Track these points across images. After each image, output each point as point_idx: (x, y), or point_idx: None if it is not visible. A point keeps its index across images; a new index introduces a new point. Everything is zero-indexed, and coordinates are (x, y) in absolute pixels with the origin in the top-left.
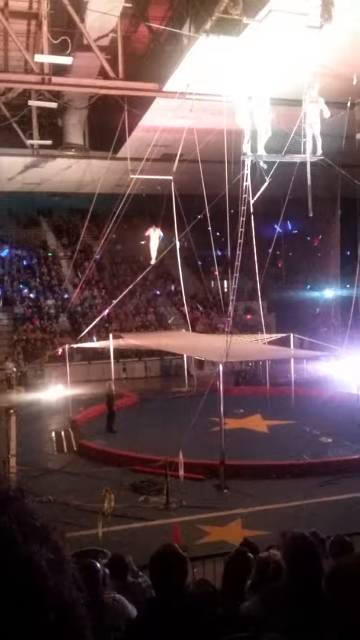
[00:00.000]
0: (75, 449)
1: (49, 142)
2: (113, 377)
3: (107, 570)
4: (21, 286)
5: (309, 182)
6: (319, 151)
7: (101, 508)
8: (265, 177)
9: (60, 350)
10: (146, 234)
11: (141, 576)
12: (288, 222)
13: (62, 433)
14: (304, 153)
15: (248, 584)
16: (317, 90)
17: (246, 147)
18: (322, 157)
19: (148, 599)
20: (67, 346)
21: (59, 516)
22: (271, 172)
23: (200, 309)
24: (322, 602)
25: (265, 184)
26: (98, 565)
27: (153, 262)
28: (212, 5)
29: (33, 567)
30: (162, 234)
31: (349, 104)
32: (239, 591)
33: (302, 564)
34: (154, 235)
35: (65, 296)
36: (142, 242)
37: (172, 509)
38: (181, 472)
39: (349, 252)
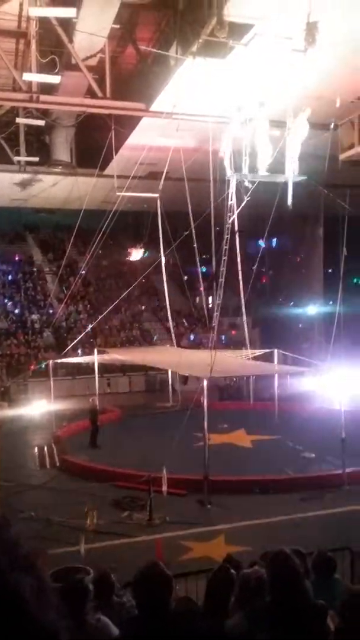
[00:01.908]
0: (58, 464)
1: (36, 158)
2: (97, 392)
3: (90, 587)
4: (6, 301)
5: (289, 202)
6: (296, 171)
7: (84, 524)
8: (244, 197)
9: (32, 367)
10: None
11: (125, 595)
12: (274, 239)
13: (45, 448)
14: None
15: (231, 601)
16: (307, 114)
17: (229, 167)
18: (304, 177)
19: (131, 617)
20: (51, 361)
21: (41, 533)
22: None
23: (186, 324)
24: (306, 621)
25: (243, 203)
26: (85, 583)
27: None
28: (199, 28)
29: (18, 595)
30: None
31: (332, 126)
32: (223, 608)
33: (285, 583)
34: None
35: (50, 311)
36: (129, 258)
37: (155, 525)
38: (164, 488)
39: (330, 270)
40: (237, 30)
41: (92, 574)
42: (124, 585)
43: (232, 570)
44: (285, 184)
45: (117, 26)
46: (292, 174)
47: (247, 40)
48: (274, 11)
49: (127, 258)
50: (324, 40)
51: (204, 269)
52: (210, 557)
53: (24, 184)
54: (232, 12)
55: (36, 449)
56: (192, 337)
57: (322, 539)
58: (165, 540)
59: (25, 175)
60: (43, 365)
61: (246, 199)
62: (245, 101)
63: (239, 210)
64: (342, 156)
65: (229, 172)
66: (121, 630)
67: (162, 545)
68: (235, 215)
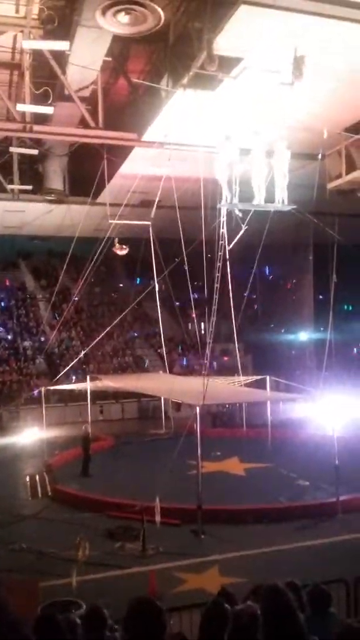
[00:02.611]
0: (50, 494)
1: (29, 187)
2: (90, 419)
3: (77, 622)
4: None
5: (265, 230)
6: (286, 201)
7: (76, 556)
8: (242, 225)
9: (35, 392)
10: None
11: (117, 630)
12: (266, 267)
13: (37, 477)
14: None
15: (225, 638)
16: (285, 142)
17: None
18: (294, 207)
19: None
20: (43, 388)
21: (33, 565)
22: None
23: (180, 350)
24: None
25: (242, 232)
26: (59, 620)
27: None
28: (189, 61)
29: None
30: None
31: (319, 156)
32: None
33: (278, 619)
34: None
35: (43, 338)
36: (121, 285)
37: (148, 555)
38: (158, 518)
39: (321, 297)
40: (227, 63)
41: (83, 607)
42: (117, 620)
43: (227, 605)
44: (276, 212)
45: (109, 59)
46: (281, 203)
47: (236, 74)
48: (262, 45)
49: (115, 249)
50: (311, 75)
51: (196, 295)
52: (205, 589)
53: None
54: (222, 46)
55: (28, 478)
56: (184, 361)
57: (317, 569)
58: (159, 571)
59: (19, 203)
60: (35, 393)
61: (244, 227)
62: (234, 131)
63: (236, 239)
64: (330, 185)
65: (226, 200)
66: None
67: (155, 577)
68: (226, 243)
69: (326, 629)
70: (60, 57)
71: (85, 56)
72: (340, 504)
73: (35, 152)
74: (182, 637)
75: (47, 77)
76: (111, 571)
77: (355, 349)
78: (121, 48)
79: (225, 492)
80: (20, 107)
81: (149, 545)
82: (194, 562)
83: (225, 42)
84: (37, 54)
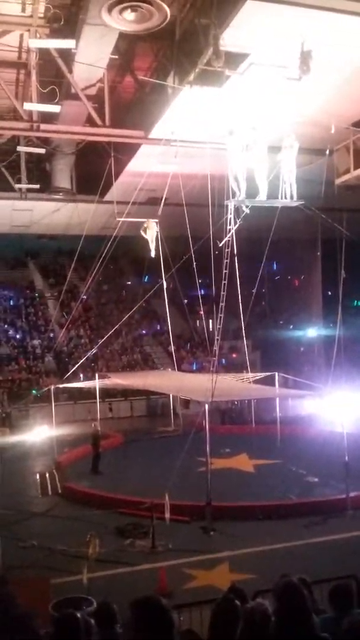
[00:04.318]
0: (59, 491)
1: (37, 186)
2: (99, 416)
3: (92, 621)
4: (7, 326)
5: (274, 226)
6: (295, 196)
7: (86, 553)
8: (237, 220)
9: (44, 389)
10: (144, 225)
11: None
12: (274, 262)
13: (47, 475)
14: (284, 198)
15: (237, 634)
16: (293, 137)
17: (238, 192)
18: (301, 202)
19: None
20: (52, 386)
21: (43, 562)
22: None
23: (188, 348)
24: None
25: (236, 226)
26: (79, 619)
27: (152, 254)
28: (195, 57)
29: None
30: (157, 229)
31: (327, 152)
32: None
33: (293, 617)
34: (152, 226)
35: (51, 335)
36: (129, 283)
37: (158, 552)
38: (167, 515)
39: (330, 293)
40: (233, 59)
41: (94, 604)
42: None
43: (237, 602)
44: (284, 208)
45: (116, 56)
46: (289, 198)
47: (243, 70)
48: (269, 41)
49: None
50: (318, 70)
51: (203, 292)
52: (215, 586)
53: (25, 209)
54: (228, 42)
55: (38, 476)
56: (194, 365)
57: (327, 566)
58: (169, 568)
59: (27, 202)
60: (37, 392)
61: (238, 222)
62: (240, 127)
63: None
64: (338, 181)
65: (238, 195)
66: None
67: (165, 574)
68: (234, 240)
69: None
70: (67, 56)
71: (92, 54)
72: (349, 500)
73: (42, 151)
74: (192, 634)
75: (53, 76)
76: (121, 568)
77: None
78: (127, 46)
79: (235, 489)
80: (28, 106)
81: (158, 542)
82: (204, 559)
83: (231, 37)
84: (43, 53)
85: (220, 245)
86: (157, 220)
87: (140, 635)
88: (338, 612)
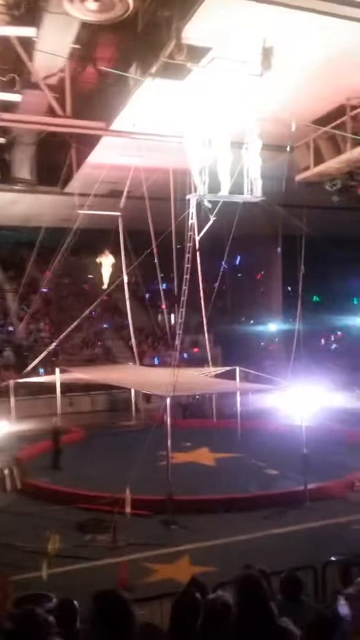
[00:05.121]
0: (19, 487)
1: None
2: (59, 411)
3: (51, 618)
4: None
5: (235, 221)
6: (259, 192)
7: (46, 549)
8: (210, 216)
9: (3, 383)
10: (97, 260)
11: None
12: (236, 258)
13: (6, 471)
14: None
15: (197, 626)
16: (256, 133)
17: (201, 188)
18: (262, 198)
19: None
20: (11, 381)
21: (2, 558)
22: (215, 211)
23: (149, 342)
24: None
25: (210, 223)
26: (41, 615)
27: (105, 287)
28: (158, 50)
29: None
30: (113, 260)
31: (288, 148)
32: (188, 635)
33: (253, 608)
34: (106, 261)
35: (10, 329)
36: (90, 276)
37: (119, 547)
38: (128, 509)
39: (290, 288)
40: (196, 52)
41: (54, 600)
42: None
43: (197, 594)
44: (245, 203)
45: (77, 46)
46: (250, 194)
47: (205, 63)
48: (231, 35)
49: (90, 275)
50: (279, 67)
51: (165, 286)
52: (175, 579)
53: None
54: (190, 35)
55: None
56: (156, 360)
57: (286, 557)
58: (129, 562)
59: None
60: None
61: (212, 218)
62: (203, 121)
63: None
64: (298, 177)
65: (196, 190)
66: None
67: (125, 568)
68: (196, 234)
69: (299, 616)
70: (27, 44)
71: (53, 43)
72: (308, 492)
73: (2, 140)
74: (152, 627)
75: (13, 64)
76: (82, 563)
77: (322, 340)
78: (89, 36)
79: (195, 483)
80: None
81: (119, 537)
82: (165, 553)
83: (193, 31)
84: (3, 40)
85: (196, 239)
86: (110, 255)
87: (100, 629)
88: (287, 598)
